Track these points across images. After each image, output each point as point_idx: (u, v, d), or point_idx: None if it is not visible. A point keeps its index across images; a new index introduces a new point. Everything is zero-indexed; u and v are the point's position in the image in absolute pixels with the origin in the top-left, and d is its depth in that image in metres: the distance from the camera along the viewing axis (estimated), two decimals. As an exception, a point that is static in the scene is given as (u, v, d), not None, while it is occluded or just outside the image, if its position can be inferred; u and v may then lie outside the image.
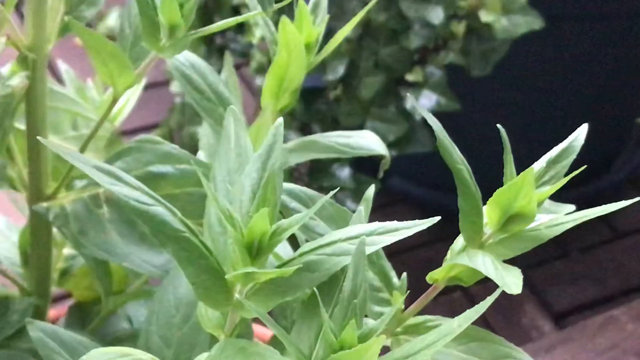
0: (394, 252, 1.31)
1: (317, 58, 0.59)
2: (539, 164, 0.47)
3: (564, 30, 1.08)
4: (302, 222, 0.38)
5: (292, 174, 1.13)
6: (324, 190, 1.12)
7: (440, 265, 0.49)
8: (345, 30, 0.59)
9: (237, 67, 1.17)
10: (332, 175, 1.11)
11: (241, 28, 1.11)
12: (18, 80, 0.47)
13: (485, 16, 0.97)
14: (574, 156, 0.47)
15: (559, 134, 1.22)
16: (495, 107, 1.16)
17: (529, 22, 0.98)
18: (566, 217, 0.44)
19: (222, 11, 1.11)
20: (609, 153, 1.30)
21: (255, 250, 0.37)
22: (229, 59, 0.63)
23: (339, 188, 0.47)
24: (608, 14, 1.08)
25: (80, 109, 0.55)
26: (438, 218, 0.43)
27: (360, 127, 1.08)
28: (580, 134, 0.47)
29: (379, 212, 1.25)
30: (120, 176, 0.37)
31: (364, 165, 1.15)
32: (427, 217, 1.31)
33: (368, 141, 0.59)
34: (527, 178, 0.43)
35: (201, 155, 0.58)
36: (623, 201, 0.42)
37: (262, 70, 1.08)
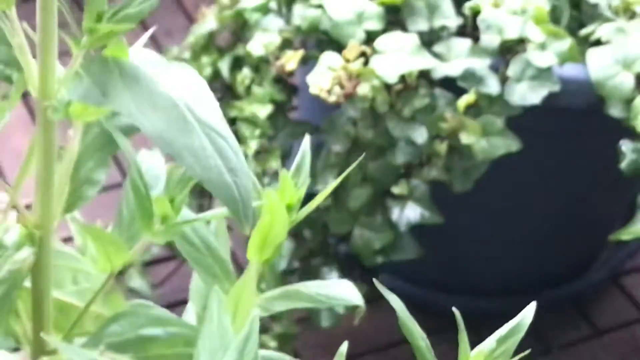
0: (379, 348, 1.36)
1: (299, 216, 0.65)
2: (489, 343, 0.52)
3: (542, 145, 1.14)
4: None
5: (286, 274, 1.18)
6: (313, 293, 1.17)
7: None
8: (322, 196, 0.64)
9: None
10: (322, 279, 1.16)
11: (237, 135, 1.17)
12: (25, 255, 0.53)
13: (465, 138, 1.03)
14: (522, 334, 0.52)
15: (539, 236, 1.28)
16: (478, 213, 1.22)
17: (507, 145, 1.04)
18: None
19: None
20: (589, 254, 1.36)
21: None
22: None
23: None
24: (584, 131, 1.14)
25: (81, 264, 0.60)
26: None
27: (349, 233, 1.14)
28: (528, 313, 0.52)
29: (368, 305, 1.30)
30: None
31: (354, 272, 1.20)
32: (415, 312, 1.39)
33: (345, 292, 0.64)
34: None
35: (190, 307, 0.63)
36: None
37: (257, 178, 1.13)
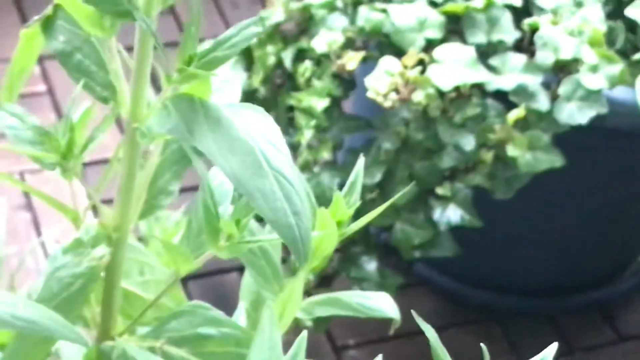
0: (405, 333, 1.42)
1: (349, 230, 0.70)
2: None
3: (584, 159, 1.18)
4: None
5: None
6: (350, 279, 1.23)
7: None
8: (369, 217, 0.70)
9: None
10: (359, 267, 1.22)
11: (293, 122, 1.22)
12: (102, 253, 0.59)
13: (511, 150, 1.08)
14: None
15: (573, 243, 1.32)
16: (516, 216, 1.27)
17: (551, 160, 1.09)
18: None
19: (278, 107, 1.23)
20: (620, 263, 1.40)
21: None
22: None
23: None
24: (627, 150, 1.19)
25: (147, 258, 0.67)
26: None
27: (390, 227, 1.19)
28: (548, 355, 0.57)
29: (401, 293, 1.35)
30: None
31: (391, 258, 1.26)
32: (445, 303, 1.48)
33: (384, 305, 0.70)
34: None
35: (242, 305, 0.69)
36: None
37: (308, 167, 1.19)
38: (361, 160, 0.71)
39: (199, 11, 0.52)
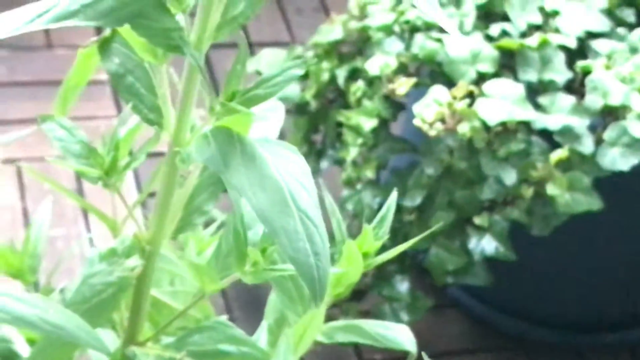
0: (435, 354, 1.43)
1: (375, 261, 0.73)
2: None
3: (624, 202, 1.19)
4: None
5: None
6: (381, 297, 1.25)
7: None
8: (400, 249, 0.72)
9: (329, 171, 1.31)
10: (392, 286, 1.24)
11: (341, 137, 1.25)
12: (134, 264, 0.62)
13: (551, 189, 1.09)
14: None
15: (606, 281, 1.33)
16: (552, 250, 1.28)
17: (590, 203, 1.10)
18: None
19: (327, 122, 1.26)
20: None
21: None
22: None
23: None
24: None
25: (178, 269, 0.70)
26: None
27: (426, 250, 1.21)
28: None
29: (432, 314, 1.37)
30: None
31: (426, 278, 1.28)
32: (475, 328, 1.50)
33: (402, 337, 0.72)
34: None
35: (264, 324, 0.72)
36: None
37: (351, 183, 1.22)
38: (394, 194, 0.74)
39: (245, 51, 0.55)
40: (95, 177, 0.59)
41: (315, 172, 1.30)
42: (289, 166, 0.53)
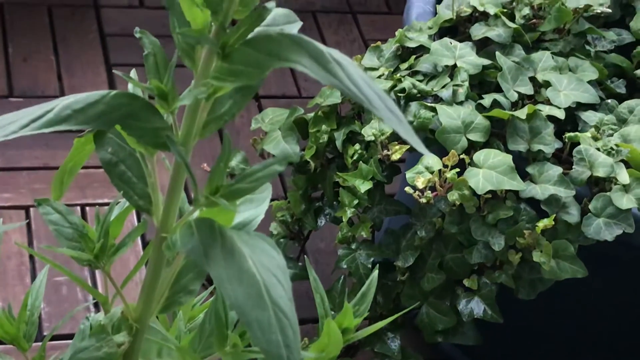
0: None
1: (356, 336, 0.76)
2: None
3: (608, 268, 1.22)
4: None
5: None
6: (373, 353, 1.28)
7: None
8: (379, 325, 0.75)
9: (327, 228, 1.35)
10: (384, 343, 1.27)
11: (338, 196, 1.28)
12: (122, 340, 0.66)
13: (537, 257, 1.13)
14: None
15: (596, 344, 1.36)
16: (539, 312, 1.31)
17: (574, 271, 1.13)
18: None
19: (325, 181, 1.30)
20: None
21: None
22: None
23: None
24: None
25: (166, 341, 0.74)
26: None
27: (418, 309, 1.25)
28: None
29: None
30: None
31: (416, 335, 1.31)
32: None
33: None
34: None
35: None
36: None
37: (346, 242, 1.26)
38: (375, 273, 0.77)
39: (229, 148, 0.59)
40: (85, 260, 0.62)
41: (314, 228, 1.34)
42: (266, 260, 0.57)
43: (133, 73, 0.62)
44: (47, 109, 0.53)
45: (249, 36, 0.56)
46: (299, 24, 0.63)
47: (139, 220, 1.52)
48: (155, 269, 0.65)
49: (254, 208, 0.72)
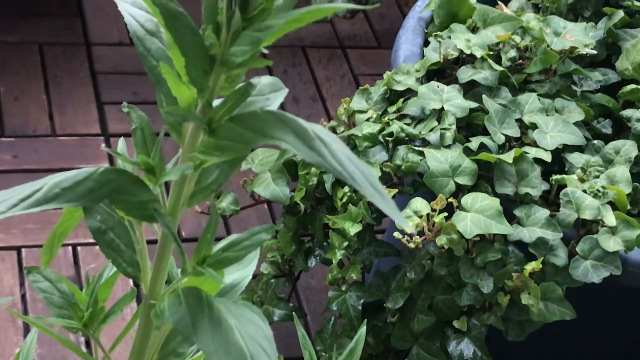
0: None
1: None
2: None
3: (598, 306, 1.23)
4: None
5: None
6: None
7: None
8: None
9: (319, 265, 1.35)
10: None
11: (328, 237, 1.29)
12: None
13: (525, 299, 1.14)
14: None
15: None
16: (534, 354, 1.32)
17: (562, 313, 1.14)
18: None
19: (315, 223, 1.30)
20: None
21: None
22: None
23: None
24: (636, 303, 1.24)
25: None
26: None
27: (408, 351, 1.26)
28: None
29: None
30: None
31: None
32: None
33: None
34: None
35: None
36: None
37: (336, 283, 1.26)
38: (363, 329, 0.78)
39: (216, 220, 0.60)
40: (74, 328, 0.63)
41: (304, 269, 1.35)
42: (252, 330, 0.58)
43: (121, 144, 0.63)
44: (36, 188, 0.54)
45: (235, 112, 0.57)
46: (285, 91, 0.65)
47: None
48: (144, 333, 0.66)
49: (242, 269, 0.73)
